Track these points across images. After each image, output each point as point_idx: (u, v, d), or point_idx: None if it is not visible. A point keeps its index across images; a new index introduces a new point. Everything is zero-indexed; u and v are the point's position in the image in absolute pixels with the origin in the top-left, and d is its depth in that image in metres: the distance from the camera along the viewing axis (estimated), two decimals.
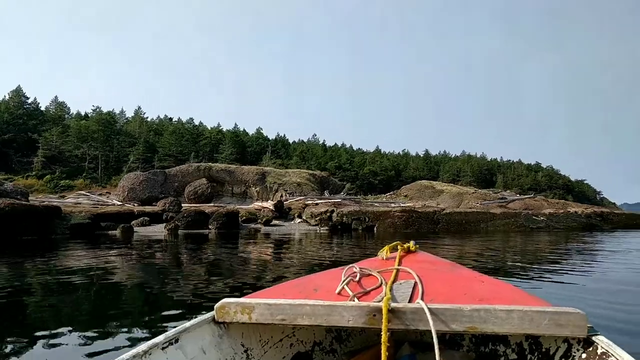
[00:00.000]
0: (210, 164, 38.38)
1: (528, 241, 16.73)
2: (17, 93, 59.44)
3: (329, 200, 29.62)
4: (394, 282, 1.92)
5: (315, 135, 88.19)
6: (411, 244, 2.58)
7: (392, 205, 30.82)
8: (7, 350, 3.01)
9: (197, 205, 27.37)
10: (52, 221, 18.44)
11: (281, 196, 33.17)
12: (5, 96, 60.05)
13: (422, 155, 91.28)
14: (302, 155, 67.70)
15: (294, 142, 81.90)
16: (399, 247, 2.49)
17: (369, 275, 2.05)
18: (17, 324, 3.90)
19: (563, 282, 6.13)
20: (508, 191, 49.27)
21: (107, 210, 22.46)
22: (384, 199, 39.26)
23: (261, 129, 78.59)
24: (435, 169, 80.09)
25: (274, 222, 24.59)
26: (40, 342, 3.16)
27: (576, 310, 1.49)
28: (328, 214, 24.54)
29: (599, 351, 1.45)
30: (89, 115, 65.62)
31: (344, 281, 1.96)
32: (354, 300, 1.77)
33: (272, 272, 7.37)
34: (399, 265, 2.17)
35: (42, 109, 63.99)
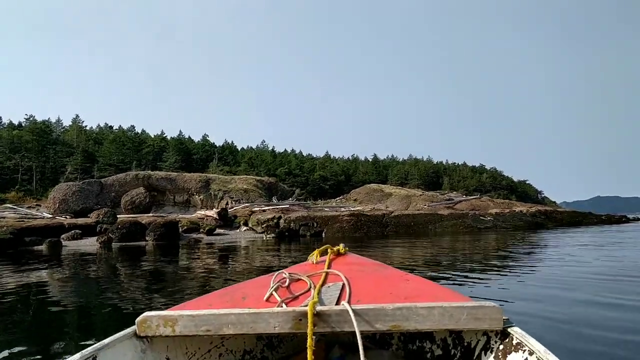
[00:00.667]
0: (149, 172, 36.34)
1: (475, 242, 16.46)
2: None
3: (277, 207, 28.55)
4: (322, 285, 1.94)
5: (264, 142, 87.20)
6: (341, 246, 2.60)
7: (342, 209, 30.15)
8: None
9: (135, 215, 25.68)
10: None
11: (227, 204, 31.78)
12: None
13: (370, 160, 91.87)
14: (251, 162, 66.52)
15: (242, 148, 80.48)
16: (329, 250, 2.54)
17: (299, 280, 2.05)
18: None
19: (497, 279, 6.47)
20: (455, 192, 49.73)
21: (33, 224, 20.57)
22: (334, 204, 38.63)
23: (207, 135, 76.79)
24: (384, 172, 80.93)
25: (218, 231, 23.35)
26: None
27: (492, 304, 1.54)
28: (275, 221, 23.53)
29: (514, 342, 1.51)
30: (23, 124, 61.86)
31: (272, 287, 1.94)
32: (282, 306, 1.75)
33: (210, 283, 7.00)
34: (328, 268, 2.18)
35: None
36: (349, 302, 1.64)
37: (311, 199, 44.23)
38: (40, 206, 30.65)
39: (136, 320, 1.69)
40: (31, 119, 61.85)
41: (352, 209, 31.30)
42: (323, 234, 22.69)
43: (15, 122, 63.88)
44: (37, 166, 50.61)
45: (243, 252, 13.96)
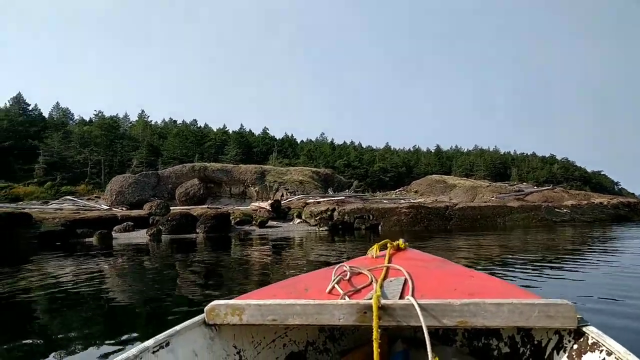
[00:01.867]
0: (205, 163, 35.99)
1: (551, 236, 14.54)
2: (18, 100, 58.12)
3: (332, 198, 27.25)
4: (384, 279, 1.91)
5: (324, 134, 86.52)
6: (400, 241, 2.55)
7: (401, 201, 28.41)
8: None
9: (189, 207, 25.18)
10: (16, 230, 16.45)
11: (282, 195, 30.82)
12: (5, 103, 58.83)
13: (433, 151, 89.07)
14: (310, 154, 65.98)
15: (301, 141, 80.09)
16: (388, 245, 2.50)
17: (359, 273, 2.02)
18: None
19: (576, 278, 5.80)
20: (524, 183, 46.42)
21: (86, 216, 20.41)
22: (393, 196, 36.90)
23: (267, 129, 77.00)
24: (448, 164, 78.24)
25: (271, 223, 22.37)
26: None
27: (565, 302, 1.49)
28: (329, 213, 22.20)
29: (589, 341, 1.45)
30: (93, 120, 64.17)
31: (334, 280, 1.92)
32: (344, 299, 1.74)
33: (269, 275, 6.81)
34: (388, 262, 2.15)
35: (45, 115, 62.79)
36: (413, 297, 1.59)
37: (369, 191, 42.63)
38: (99, 198, 31.00)
39: (205, 309, 1.71)
40: (100, 114, 64.06)
41: (412, 201, 29.52)
42: (379, 227, 21.11)
43: (87, 119, 66.46)
44: (105, 160, 52.32)
45: (297, 246, 13.14)
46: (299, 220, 23.19)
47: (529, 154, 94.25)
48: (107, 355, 2.95)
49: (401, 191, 41.32)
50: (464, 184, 37.43)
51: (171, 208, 24.37)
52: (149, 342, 1.45)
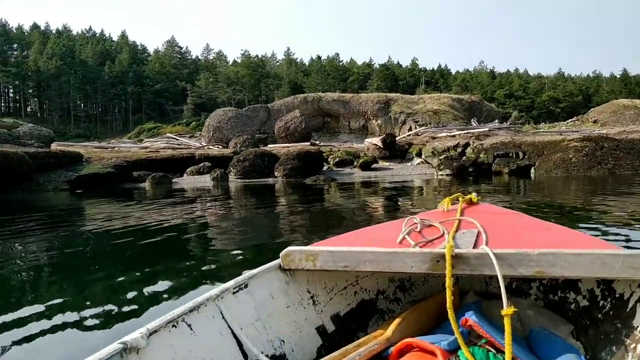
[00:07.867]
0: (320, 93, 30.31)
1: None
2: (171, 44, 58.74)
3: (472, 131, 19.98)
4: (456, 231, 1.77)
5: (483, 62, 74.70)
6: (473, 195, 2.33)
7: (574, 134, 19.92)
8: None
9: (287, 145, 20.14)
10: (54, 172, 13.32)
11: (409, 129, 24.20)
12: (160, 47, 59.96)
13: (618, 76, 71.96)
14: (465, 85, 56.77)
15: (456, 72, 69.90)
16: (460, 198, 2.29)
17: (430, 225, 1.88)
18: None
19: None
20: None
21: (156, 156, 16.73)
22: (563, 127, 27.85)
23: (416, 59, 68.24)
24: (637, 90, 62.18)
25: (382, 164, 16.48)
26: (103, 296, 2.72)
27: None
28: (459, 149, 15.42)
29: None
30: (241, 60, 63.08)
31: (404, 231, 1.79)
32: (415, 249, 1.62)
33: None
34: (460, 216, 1.97)
35: (201, 58, 63.23)
36: (487, 246, 1.44)
37: (532, 123, 33.29)
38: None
39: (280, 254, 1.66)
40: (246, 53, 62.34)
41: (590, 132, 20.84)
42: (532, 171, 13.74)
43: (239, 60, 65.68)
44: (249, 99, 50.67)
45: (392, 201, 8.45)
46: (418, 161, 16.80)
47: None
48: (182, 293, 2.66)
49: (574, 122, 31.48)
50: None
51: (270, 146, 19.75)
52: (229, 284, 1.43)
